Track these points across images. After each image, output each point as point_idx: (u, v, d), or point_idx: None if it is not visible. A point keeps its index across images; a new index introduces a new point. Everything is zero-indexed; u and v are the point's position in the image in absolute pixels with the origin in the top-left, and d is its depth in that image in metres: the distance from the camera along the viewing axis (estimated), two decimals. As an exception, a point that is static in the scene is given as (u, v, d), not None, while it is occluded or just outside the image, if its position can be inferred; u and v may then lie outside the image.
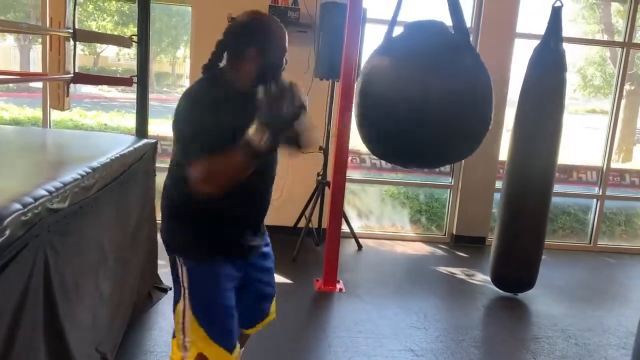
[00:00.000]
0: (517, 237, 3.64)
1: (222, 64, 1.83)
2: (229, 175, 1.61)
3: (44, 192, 1.70)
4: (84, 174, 2.04)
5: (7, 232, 1.43)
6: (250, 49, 1.74)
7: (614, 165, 5.34)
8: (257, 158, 1.58)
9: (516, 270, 3.72)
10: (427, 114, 2.50)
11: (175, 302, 1.84)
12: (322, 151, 4.47)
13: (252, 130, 1.55)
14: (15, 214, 1.49)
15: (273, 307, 2.14)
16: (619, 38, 7.49)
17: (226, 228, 1.78)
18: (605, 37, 7.33)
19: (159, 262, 3.36)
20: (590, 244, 5.30)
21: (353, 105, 2.99)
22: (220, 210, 1.72)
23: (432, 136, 2.56)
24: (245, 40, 1.75)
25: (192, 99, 1.74)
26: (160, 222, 1.91)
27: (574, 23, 7.22)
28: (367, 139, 2.87)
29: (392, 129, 2.61)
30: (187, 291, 1.79)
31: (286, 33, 1.83)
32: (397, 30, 2.87)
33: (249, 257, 1.92)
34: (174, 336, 1.88)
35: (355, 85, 2.70)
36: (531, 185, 3.55)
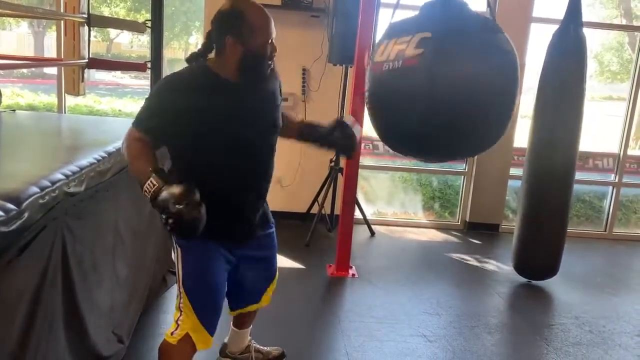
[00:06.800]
0: (540, 225, 3.61)
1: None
2: (129, 163, 1.76)
3: (61, 176, 1.72)
4: (100, 158, 2.06)
5: (26, 215, 1.45)
6: (228, 38, 1.72)
7: (630, 152, 5.27)
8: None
9: (540, 258, 3.70)
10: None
11: (178, 287, 1.91)
12: (335, 137, 4.46)
13: (172, 190, 1.57)
14: (33, 197, 1.51)
15: (270, 290, 2.22)
16: (637, 23, 7.36)
17: (218, 213, 1.72)
18: (624, 22, 7.20)
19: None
20: (605, 231, 5.25)
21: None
22: (213, 196, 1.68)
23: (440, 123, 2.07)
24: (222, 30, 1.75)
25: (167, 80, 1.79)
26: None
27: (591, 8, 7.10)
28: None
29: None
30: (180, 269, 1.86)
31: (269, 20, 1.77)
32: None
33: (245, 243, 1.97)
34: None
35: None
36: (553, 173, 3.51)
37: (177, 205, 1.54)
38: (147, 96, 1.83)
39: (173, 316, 1.93)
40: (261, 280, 2.16)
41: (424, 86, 1.96)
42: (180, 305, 1.88)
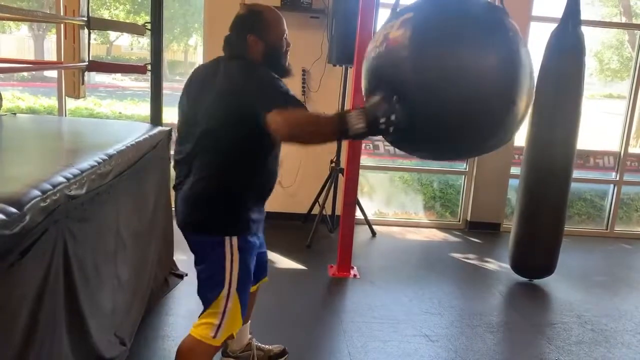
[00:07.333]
0: (537, 224, 3.62)
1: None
2: (309, 136, 1.71)
3: (62, 179, 1.72)
4: (101, 161, 2.06)
5: (27, 219, 1.44)
6: (249, 36, 1.91)
7: (631, 150, 5.27)
8: (342, 138, 1.69)
9: (536, 257, 3.71)
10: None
11: (218, 291, 1.89)
12: (335, 138, 4.46)
13: (355, 114, 1.62)
14: (35, 200, 1.51)
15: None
16: (637, 21, 7.36)
17: (258, 204, 1.97)
18: (624, 20, 7.20)
19: (175, 248, 3.40)
20: (607, 229, 5.25)
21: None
22: (258, 188, 1.94)
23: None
24: (243, 30, 1.93)
25: (263, 68, 1.86)
26: (185, 209, 1.93)
27: (591, 6, 7.10)
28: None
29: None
30: (237, 273, 1.89)
31: (282, 17, 1.98)
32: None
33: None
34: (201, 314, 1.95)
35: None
36: (551, 171, 3.51)
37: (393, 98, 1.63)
38: (260, 83, 1.79)
39: (209, 321, 1.90)
40: (261, 249, 2.25)
41: (407, 69, 1.71)
42: (227, 308, 1.89)
